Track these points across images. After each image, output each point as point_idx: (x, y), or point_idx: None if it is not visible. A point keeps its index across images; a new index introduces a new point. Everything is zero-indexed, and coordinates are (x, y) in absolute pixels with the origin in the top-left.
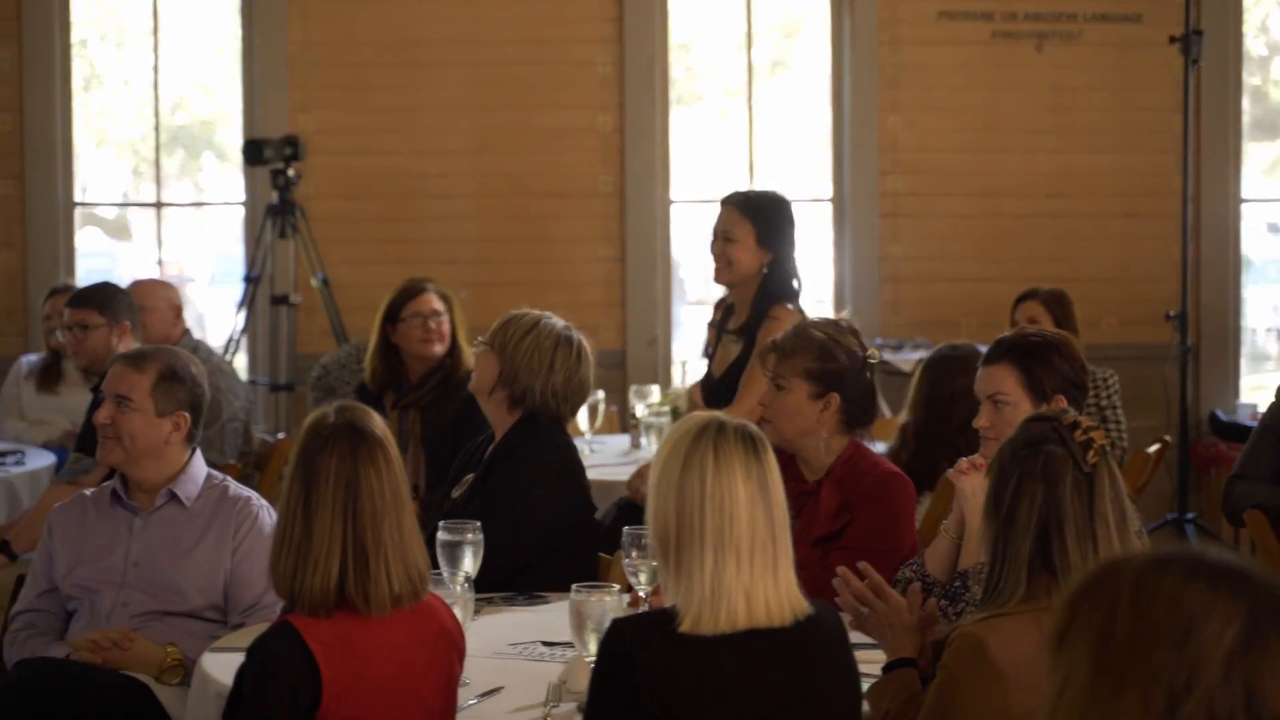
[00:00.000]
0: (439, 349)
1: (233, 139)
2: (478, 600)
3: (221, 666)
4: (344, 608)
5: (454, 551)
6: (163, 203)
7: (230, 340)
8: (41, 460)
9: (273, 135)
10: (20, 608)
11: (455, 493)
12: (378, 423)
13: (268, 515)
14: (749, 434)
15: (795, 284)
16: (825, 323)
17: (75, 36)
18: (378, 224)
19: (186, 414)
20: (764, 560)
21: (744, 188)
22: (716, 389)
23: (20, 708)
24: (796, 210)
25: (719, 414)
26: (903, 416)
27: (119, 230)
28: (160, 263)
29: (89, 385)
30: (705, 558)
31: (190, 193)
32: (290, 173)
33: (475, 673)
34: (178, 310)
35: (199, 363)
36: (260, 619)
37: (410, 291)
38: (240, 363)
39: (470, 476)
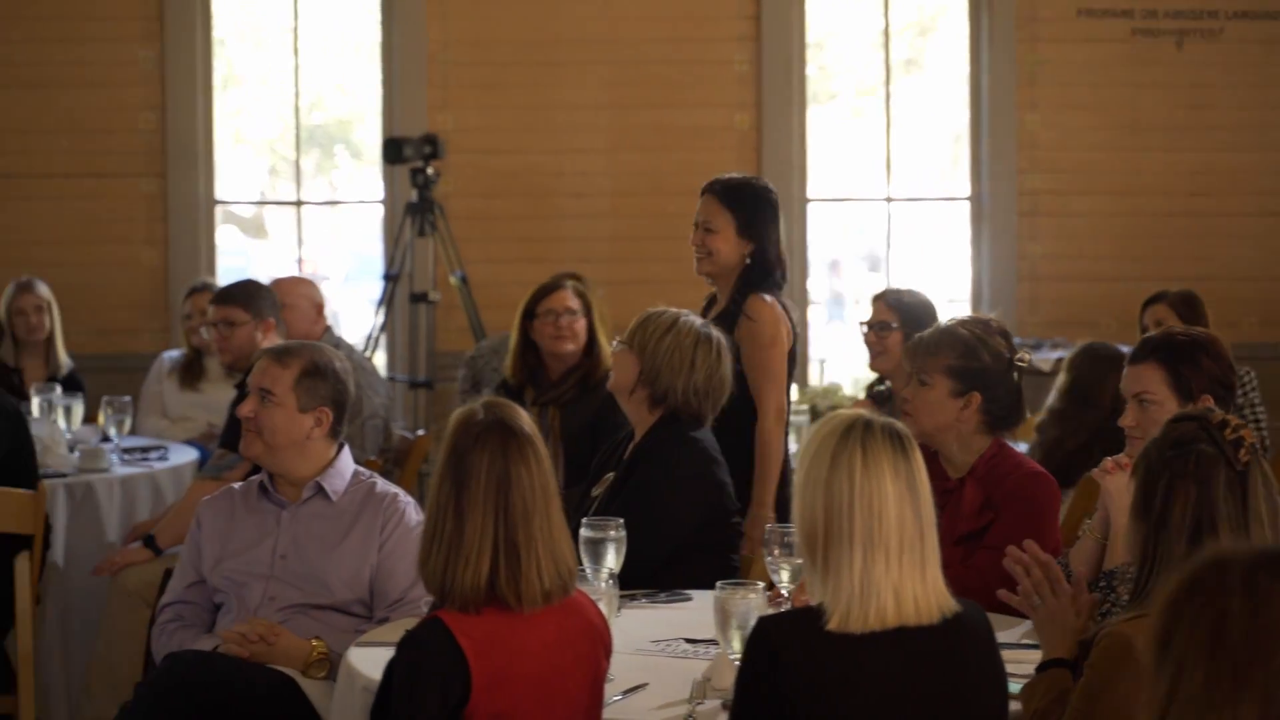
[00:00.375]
0: (570, 347)
1: (369, 137)
2: (620, 597)
3: (368, 661)
4: (494, 604)
5: (597, 548)
6: (302, 201)
7: (369, 338)
8: (184, 456)
9: (412, 134)
10: (168, 600)
11: (595, 491)
12: (525, 419)
13: (414, 512)
14: (896, 432)
15: (778, 275)
16: (974, 321)
17: (214, 35)
18: (516, 222)
19: (329, 409)
20: (912, 558)
21: (725, 175)
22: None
23: (168, 700)
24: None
25: (864, 412)
26: (1040, 416)
27: (255, 228)
28: (299, 261)
29: (232, 382)
30: (854, 556)
31: (325, 191)
32: (429, 171)
33: (619, 669)
34: (319, 308)
35: (344, 359)
36: (405, 614)
37: (547, 288)
38: (379, 360)
39: (610, 475)
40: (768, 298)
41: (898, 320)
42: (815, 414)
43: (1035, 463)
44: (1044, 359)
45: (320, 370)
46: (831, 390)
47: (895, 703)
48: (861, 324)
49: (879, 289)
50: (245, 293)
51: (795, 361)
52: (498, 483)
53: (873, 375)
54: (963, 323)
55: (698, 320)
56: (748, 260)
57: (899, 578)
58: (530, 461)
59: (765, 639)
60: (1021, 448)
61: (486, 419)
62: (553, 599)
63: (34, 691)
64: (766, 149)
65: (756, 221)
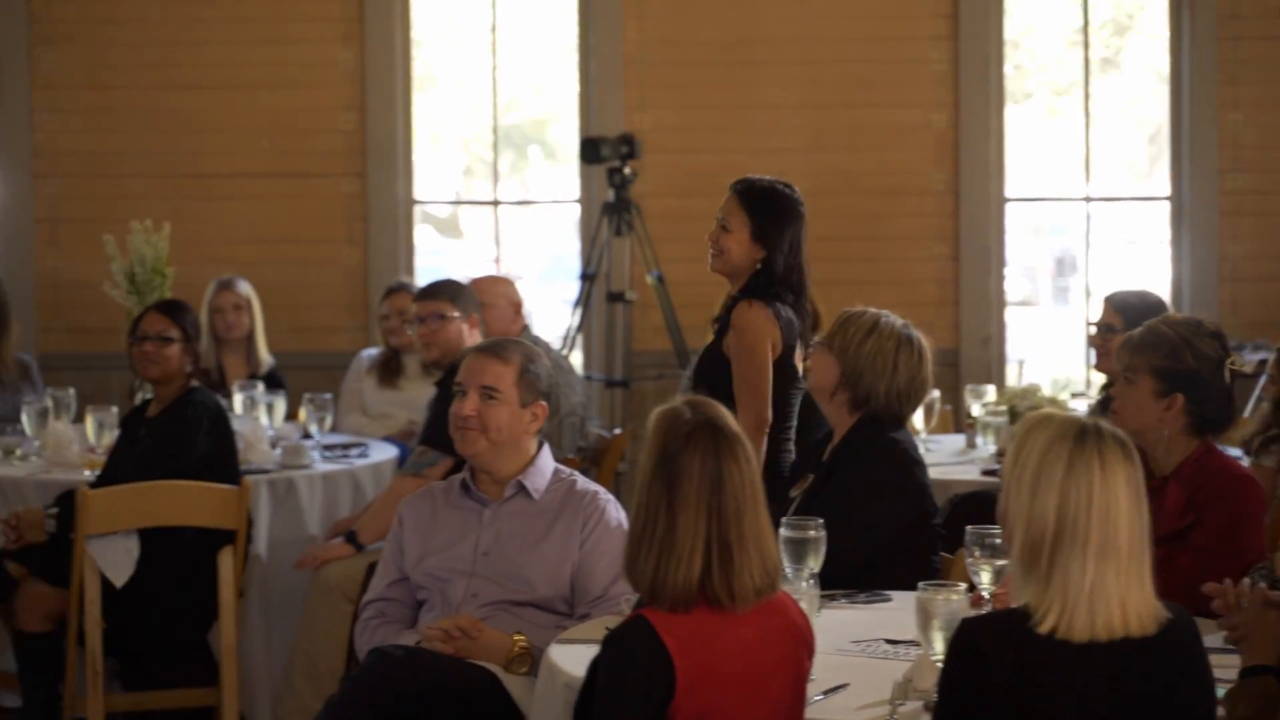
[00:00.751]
0: None
1: (564, 137)
2: (820, 597)
3: (569, 658)
4: (702, 603)
5: (798, 548)
6: (498, 200)
7: (566, 337)
8: (384, 453)
9: (609, 134)
10: (371, 597)
11: (793, 492)
12: (730, 417)
13: (614, 510)
14: (1122, 440)
15: (787, 285)
16: (1184, 322)
17: (413, 36)
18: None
19: (544, 404)
20: (1135, 568)
21: (755, 177)
22: (695, 380)
23: (372, 695)
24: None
25: (1084, 416)
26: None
27: (450, 228)
28: (496, 260)
29: (431, 379)
30: (1087, 563)
31: (518, 190)
32: (626, 171)
33: (819, 669)
34: (517, 307)
35: (544, 356)
36: (606, 611)
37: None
38: (575, 359)
39: (809, 476)
40: (758, 305)
41: (1122, 322)
42: (1014, 415)
43: (1244, 467)
44: (1246, 361)
45: (535, 365)
46: (1030, 391)
47: (1107, 712)
48: (1089, 325)
49: (1109, 291)
50: (452, 289)
51: (793, 373)
52: (710, 482)
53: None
54: (1173, 323)
55: (898, 321)
56: (758, 266)
57: (1124, 588)
58: (740, 459)
59: (970, 640)
60: (1234, 453)
61: (695, 418)
62: (762, 597)
63: (237, 684)
64: (964, 149)
65: (772, 228)
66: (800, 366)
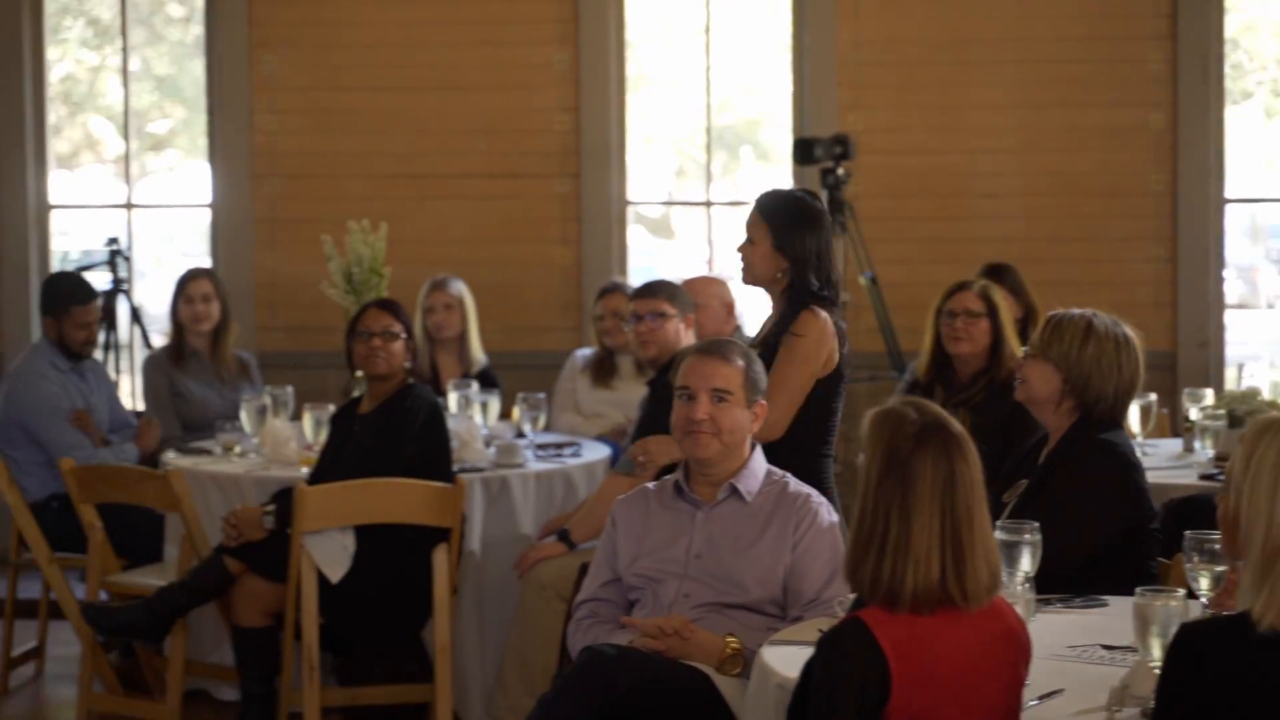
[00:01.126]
0: (965, 348)
1: (775, 138)
2: (1036, 601)
3: (782, 659)
4: (928, 606)
5: (1012, 551)
6: (711, 201)
7: None
8: (597, 453)
9: (822, 134)
10: (584, 596)
11: (1006, 496)
12: (951, 417)
13: (826, 512)
14: None
15: (824, 291)
16: None
17: (627, 37)
18: (925, 223)
19: (764, 403)
20: None
21: (774, 188)
22: None
23: (586, 693)
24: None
25: None
26: None
27: (662, 229)
28: (708, 261)
29: (644, 379)
30: None
31: (730, 191)
32: (840, 171)
33: (1034, 674)
34: (730, 307)
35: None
36: (819, 614)
37: (953, 288)
38: None
39: (1023, 482)
40: (822, 314)
41: None
42: (1233, 419)
43: None
44: None
45: (756, 365)
46: (1249, 394)
47: None
48: None
49: None
50: (670, 289)
51: (843, 385)
52: (943, 483)
53: None
54: None
55: (1107, 319)
56: (783, 275)
57: None
58: (969, 460)
59: (1190, 646)
60: None
61: (921, 419)
62: (990, 595)
63: (450, 681)
64: (1182, 149)
65: (793, 237)
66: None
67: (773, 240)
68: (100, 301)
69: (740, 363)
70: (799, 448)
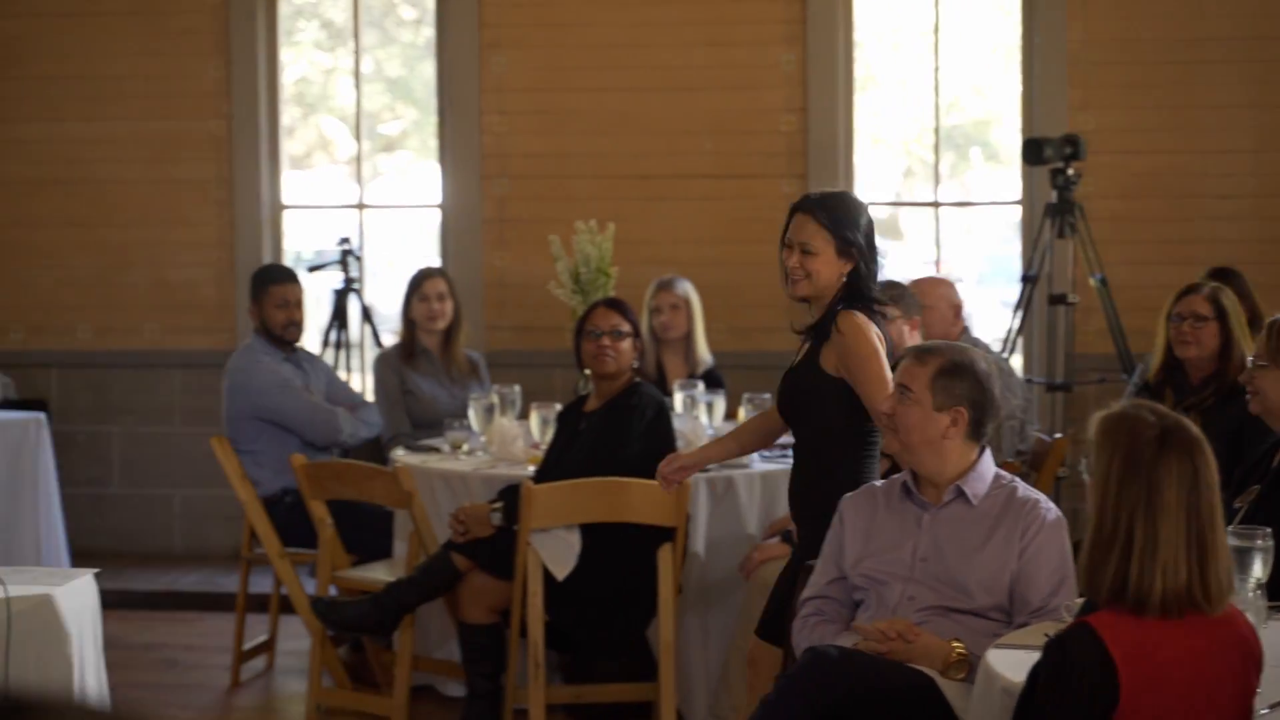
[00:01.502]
0: (1192, 352)
1: (1005, 138)
2: (1268, 609)
3: (1008, 663)
4: (1153, 610)
5: (1244, 558)
6: (939, 202)
7: (1006, 339)
8: None
9: (1052, 134)
10: (809, 594)
11: (1238, 502)
12: (1186, 419)
13: (1055, 518)
14: None
15: (874, 290)
16: None
17: (855, 38)
18: (1157, 224)
19: (965, 409)
20: None
21: (817, 191)
22: (782, 393)
23: (809, 694)
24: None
25: None
26: None
27: (890, 229)
28: (936, 262)
29: None
30: None
31: (957, 192)
32: (1070, 172)
33: (1266, 682)
34: (958, 309)
35: (986, 360)
36: (1045, 620)
37: (1182, 291)
38: (1015, 362)
39: (1256, 487)
40: (861, 313)
41: None
42: None
43: None
44: None
45: (958, 369)
46: None
47: None
48: None
49: None
50: (894, 290)
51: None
52: (1189, 486)
53: None
54: None
55: None
56: (843, 278)
57: None
58: (1209, 462)
59: None
60: None
61: (1160, 422)
62: (1228, 598)
63: (674, 680)
64: None
65: (854, 240)
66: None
67: (836, 246)
68: (301, 285)
69: (932, 364)
70: (838, 449)
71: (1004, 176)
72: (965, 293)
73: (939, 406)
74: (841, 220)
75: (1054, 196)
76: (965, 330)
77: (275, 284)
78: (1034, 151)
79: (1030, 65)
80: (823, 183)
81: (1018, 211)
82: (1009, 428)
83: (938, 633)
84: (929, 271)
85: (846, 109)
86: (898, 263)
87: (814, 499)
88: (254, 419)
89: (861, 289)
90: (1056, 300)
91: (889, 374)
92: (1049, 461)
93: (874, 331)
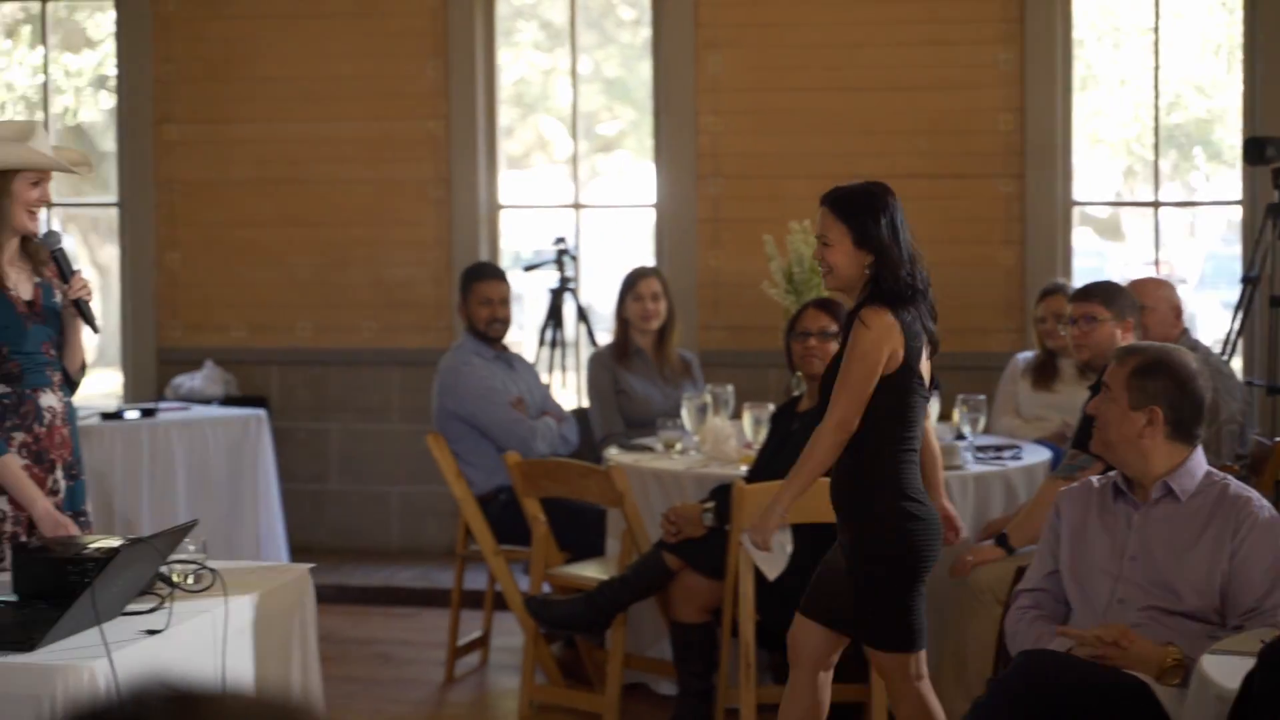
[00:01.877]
0: None
1: (1228, 138)
2: None
3: (1223, 669)
4: None
5: None
6: (1159, 202)
7: (1226, 341)
8: (1037, 455)
9: (1275, 133)
10: (1025, 586)
11: None
12: None
13: (1270, 517)
14: None
15: (905, 287)
16: None
17: (1074, 36)
18: None
19: (1159, 409)
20: None
21: (841, 185)
22: (824, 385)
23: (1022, 698)
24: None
25: None
26: None
27: (1110, 230)
28: (1156, 263)
29: (1086, 383)
30: None
31: (1180, 192)
32: None
33: None
34: (1177, 311)
35: (1198, 361)
36: (1261, 623)
37: None
38: (1235, 365)
39: None
40: (882, 310)
41: None
42: None
43: None
44: None
45: (1154, 368)
46: None
47: None
48: None
49: None
50: (1107, 291)
51: (918, 382)
52: None
53: None
54: None
55: None
56: (868, 271)
57: None
58: None
59: None
60: None
61: None
62: None
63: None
64: None
65: (873, 227)
66: (926, 374)
67: (852, 237)
68: (508, 283)
69: (1129, 364)
70: (870, 447)
71: (1227, 176)
72: (1186, 294)
73: (1134, 405)
74: (857, 211)
75: (1276, 197)
76: (1185, 332)
77: (480, 281)
78: (1255, 151)
79: (1252, 64)
80: (1040, 183)
81: (1239, 212)
82: (1229, 431)
83: (1150, 635)
84: (1149, 272)
85: (1065, 108)
86: (1118, 263)
87: (848, 488)
88: (457, 419)
89: (888, 281)
90: (1277, 302)
91: (868, 387)
92: (1269, 465)
93: (890, 335)
